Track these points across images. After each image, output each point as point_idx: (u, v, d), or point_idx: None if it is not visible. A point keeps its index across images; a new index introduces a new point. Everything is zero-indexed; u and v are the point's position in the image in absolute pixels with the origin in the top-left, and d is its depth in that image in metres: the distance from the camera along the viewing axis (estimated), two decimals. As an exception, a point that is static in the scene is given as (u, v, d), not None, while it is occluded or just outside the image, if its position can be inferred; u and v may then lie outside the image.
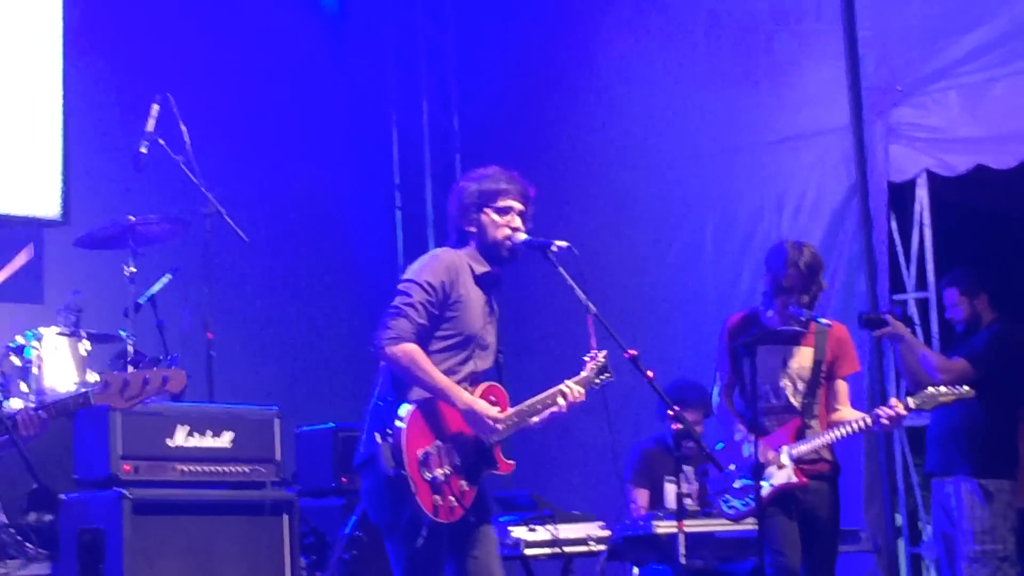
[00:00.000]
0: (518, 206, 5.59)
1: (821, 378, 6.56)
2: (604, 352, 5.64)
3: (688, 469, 7.89)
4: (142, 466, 6.53)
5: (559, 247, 5.61)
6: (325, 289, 10.49)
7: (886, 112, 8.89)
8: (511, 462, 5.52)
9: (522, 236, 5.59)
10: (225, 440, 6.80)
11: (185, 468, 6.65)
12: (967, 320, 7.91)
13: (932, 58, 8.74)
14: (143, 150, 7.59)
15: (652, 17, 10.08)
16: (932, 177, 8.79)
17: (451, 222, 5.69)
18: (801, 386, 6.53)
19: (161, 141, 7.64)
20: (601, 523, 7.77)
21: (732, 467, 6.53)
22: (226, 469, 6.78)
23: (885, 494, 8.87)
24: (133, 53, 9.62)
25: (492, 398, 5.53)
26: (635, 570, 7.85)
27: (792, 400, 6.53)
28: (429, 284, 5.43)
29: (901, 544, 8.94)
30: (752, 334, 6.47)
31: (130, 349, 7.30)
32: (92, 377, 7.27)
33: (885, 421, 6.36)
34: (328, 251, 10.62)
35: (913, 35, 8.84)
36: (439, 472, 5.31)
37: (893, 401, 6.49)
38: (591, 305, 5.54)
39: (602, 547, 7.64)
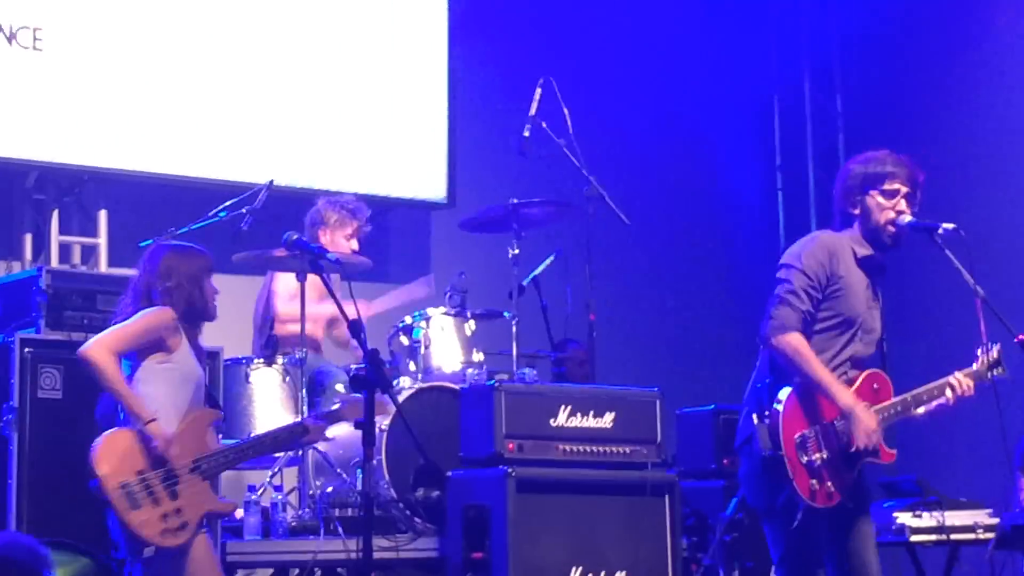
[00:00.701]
0: (905, 189, 5.43)
1: None
2: (998, 346, 5.45)
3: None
4: (526, 445, 6.61)
5: (946, 229, 5.45)
6: (705, 270, 10.45)
7: None
8: (893, 451, 5.38)
9: (907, 218, 5.44)
10: (607, 420, 6.82)
11: (567, 448, 6.69)
12: None
13: None
14: (526, 134, 7.70)
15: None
16: None
17: (835, 204, 5.57)
18: None
19: (544, 124, 7.72)
20: (989, 510, 7.52)
21: None
22: (607, 449, 6.80)
23: None
24: (516, 37, 9.79)
25: (875, 385, 5.41)
26: (1025, 560, 7.58)
27: None
28: (809, 267, 5.33)
29: None
30: None
31: (514, 330, 7.41)
32: (477, 357, 7.42)
33: None
34: (708, 233, 10.58)
35: None
36: (816, 456, 5.22)
37: None
38: (979, 289, 5.37)
39: (990, 535, 7.39)
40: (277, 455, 6.85)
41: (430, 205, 9.32)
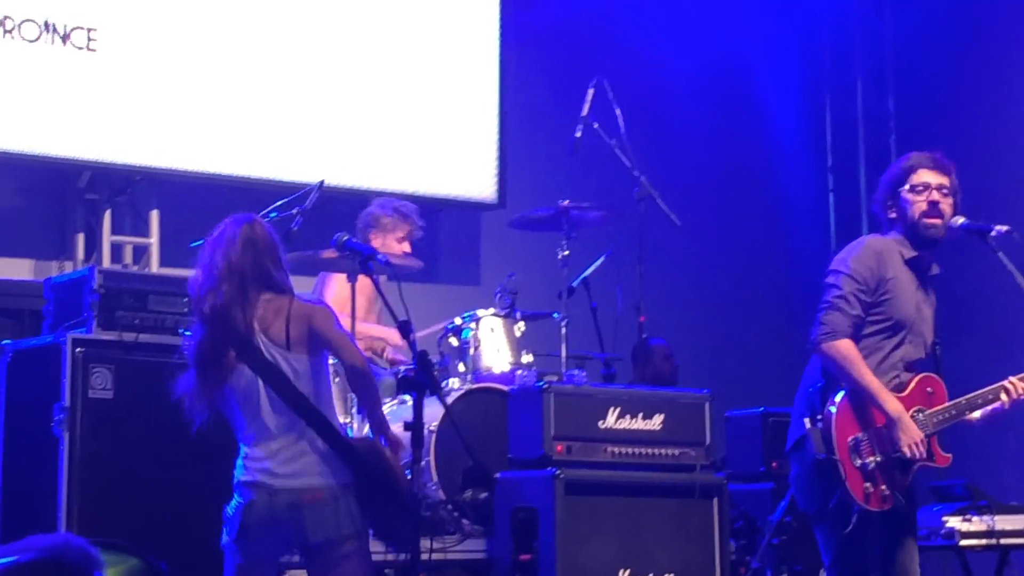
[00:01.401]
0: (934, 180, 5.41)
1: None
2: None
3: None
4: (574, 446, 6.59)
5: (999, 231, 5.44)
6: (756, 273, 10.42)
7: None
8: (948, 455, 5.37)
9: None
10: (656, 423, 6.80)
11: (616, 450, 6.68)
12: None
13: None
14: (578, 134, 7.70)
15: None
16: None
17: (876, 207, 5.60)
18: None
19: (595, 125, 7.72)
20: (1040, 515, 7.48)
21: None
22: (656, 451, 6.78)
23: None
24: (568, 37, 9.80)
25: (929, 389, 5.39)
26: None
27: None
28: (858, 272, 5.34)
29: None
30: None
31: (563, 332, 7.41)
32: (526, 358, 7.42)
33: None
34: (759, 234, 10.54)
35: None
36: (870, 460, 5.21)
37: None
38: (1032, 292, 5.34)
39: (1041, 540, 7.35)
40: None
41: (480, 205, 9.33)
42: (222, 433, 6.38)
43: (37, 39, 7.96)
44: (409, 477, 5.19)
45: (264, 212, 7.40)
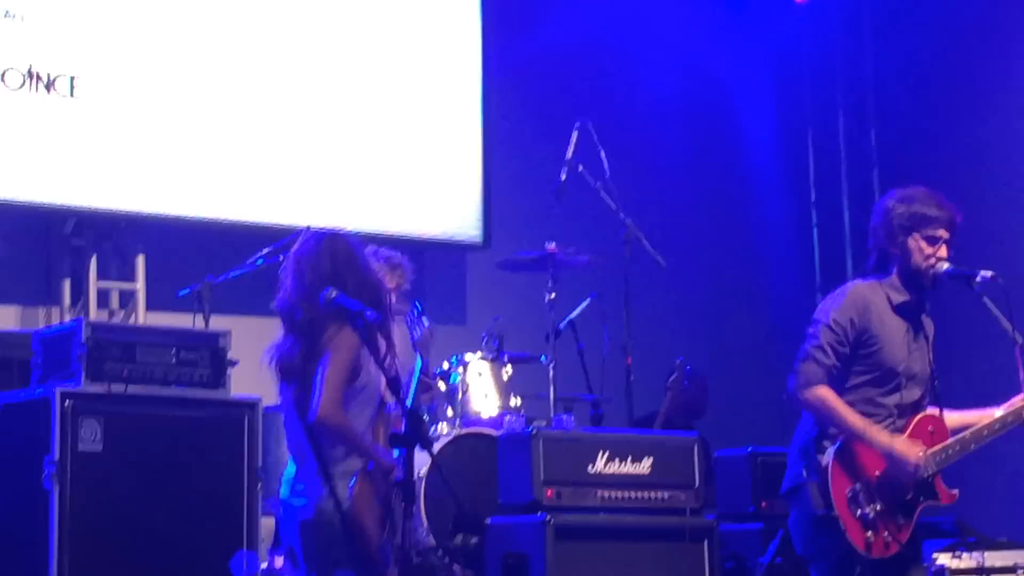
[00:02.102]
0: (945, 235, 5.42)
1: None
2: None
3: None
4: (564, 491, 6.60)
5: (984, 277, 5.44)
6: (742, 311, 10.43)
7: None
8: (954, 491, 5.37)
9: (944, 265, 5.42)
10: (645, 466, 6.82)
11: (606, 494, 6.69)
12: None
13: None
14: (563, 177, 7.73)
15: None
16: None
17: (873, 241, 5.54)
18: None
19: (580, 168, 7.76)
20: (1029, 551, 7.49)
21: None
22: (646, 495, 6.79)
23: None
24: (551, 80, 9.84)
25: (930, 428, 5.40)
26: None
27: None
28: (837, 323, 5.33)
29: None
30: None
31: (551, 374, 7.43)
32: (514, 402, 7.44)
33: None
34: (744, 272, 10.56)
35: None
36: (870, 509, 5.21)
37: None
38: (1018, 336, 5.36)
39: (1031, 575, 7.36)
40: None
41: (466, 247, 9.34)
42: (214, 484, 6.42)
43: (20, 87, 7.97)
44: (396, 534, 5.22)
45: (251, 260, 7.44)
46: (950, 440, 5.39)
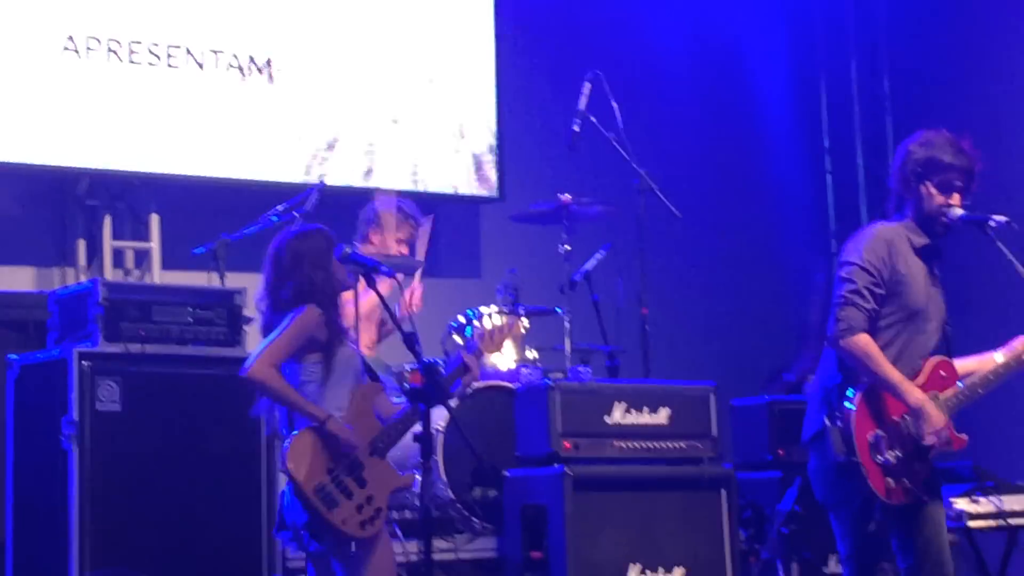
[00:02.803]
0: (960, 183, 5.40)
1: None
2: None
3: None
4: (581, 443, 6.64)
5: (997, 222, 5.43)
6: (756, 259, 10.39)
7: None
8: (963, 436, 5.38)
9: (958, 211, 5.41)
10: (662, 416, 6.84)
11: (623, 445, 6.72)
12: None
13: None
14: (576, 128, 7.70)
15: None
16: None
17: (891, 184, 5.54)
18: None
19: (593, 119, 7.73)
20: (1048, 494, 7.50)
21: None
22: (663, 445, 6.82)
23: None
24: (564, 31, 9.79)
25: (942, 372, 5.42)
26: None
27: None
28: (870, 263, 5.33)
29: None
30: None
31: (567, 326, 7.43)
32: (531, 354, 7.44)
33: None
34: (759, 220, 10.52)
35: None
36: (891, 455, 5.22)
37: None
38: (1032, 280, 5.36)
39: (1050, 519, 7.37)
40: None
41: (479, 200, 9.33)
42: (232, 443, 6.45)
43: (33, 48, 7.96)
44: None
45: (264, 216, 7.44)
46: (960, 387, 5.41)
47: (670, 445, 6.82)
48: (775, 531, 7.29)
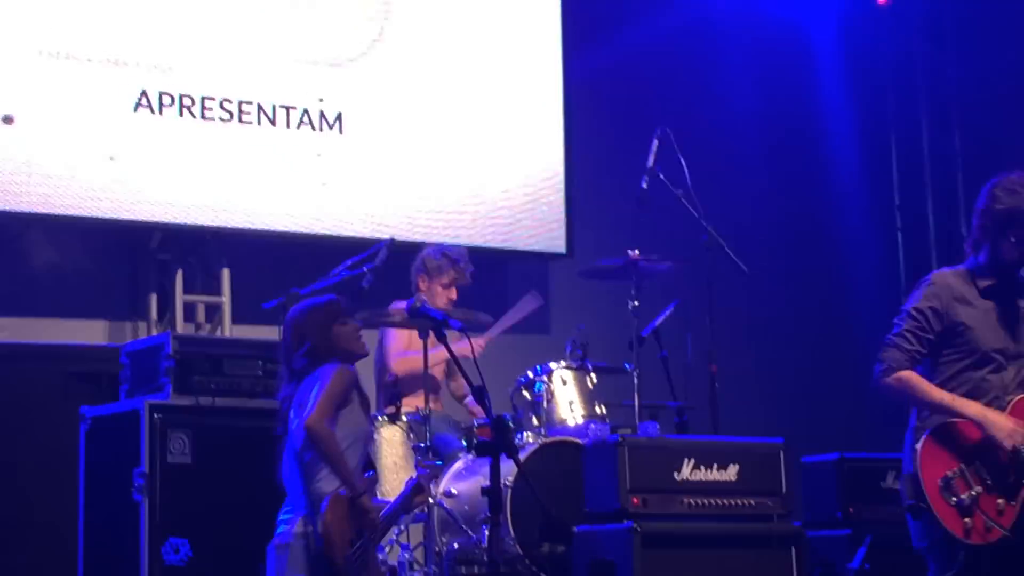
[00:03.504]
0: None
1: None
2: None
3: None
4: (650, 499, 6.58)
5: None
6: (826, 315, 10.36)
7: None
8: None
9: None
10: (731, 473, 6.78)
11: (692, 501, 6.67)
12: None
13: None
14: (644, 185, 7.72)
15: None
16: None
17: (973, 222, 5.45)
18: None
19: (661, 175, 7.74)
20: None
21: None
22: (732, 502, 6.76)
23: None
24: (632, 88, 9.82)
25: None
26: None
27: None
28: (918, 311, 5.29)
29: None
30: None
31: (635, 382, 7.42)
32: (599, 410, 7.43)
33: None
34: (829, 276, 10.49)
35: None
36: (966, 495, 5.14)
37: None
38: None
39: None
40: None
41: (549, 256, 9.35)
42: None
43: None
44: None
45: (335, 271, 7.49)
46: None
47: (739, 502, 6.76)
48: (846, 590, 7.23)
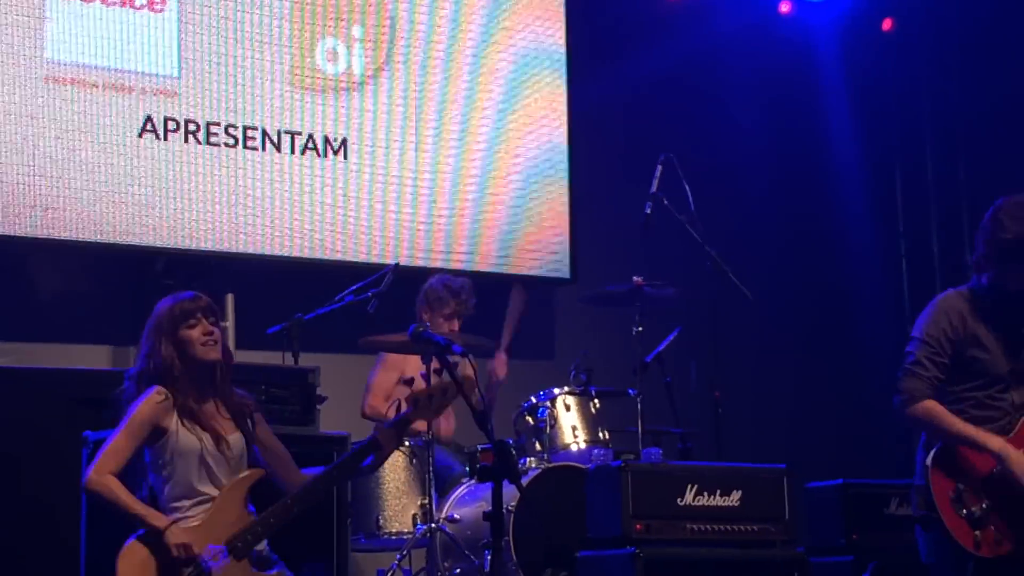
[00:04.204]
0: None
1: None
2: None
3: None
4: (653, 525, 6.58)
5: None
6: (830, 342, 10.36)
7: None
8: None
9: None
10: (734, 498, 6.78)
11: (695, 527, 6.66)
12: None
13: None
14: (648, 211, 7.73)
15: None
16: None
17: (978, 251, 5.45)
18: None
19: (665, 201, 7.76)
20: None
21: None
22: (736, 528, 6.76)
23: None
24: (636, 114, 9.84)
25: None
26: None
27: None
28: (930, 335, 5.32)
29: None
30: None
31: (639, 408, 7.42)
32: (603, 435, 7.43)
33: None
34: (832, 303, 10.48)
35: None
36: (975, 508, 5.15)
37: None
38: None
39: None
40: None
41: (553, 281, 9.36)
42: (303, 519, 6.44)
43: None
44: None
45: (339, 296, 7.50)
46: None
47: (742, 528, 6.76)
48: (849, 617, 7.21)
